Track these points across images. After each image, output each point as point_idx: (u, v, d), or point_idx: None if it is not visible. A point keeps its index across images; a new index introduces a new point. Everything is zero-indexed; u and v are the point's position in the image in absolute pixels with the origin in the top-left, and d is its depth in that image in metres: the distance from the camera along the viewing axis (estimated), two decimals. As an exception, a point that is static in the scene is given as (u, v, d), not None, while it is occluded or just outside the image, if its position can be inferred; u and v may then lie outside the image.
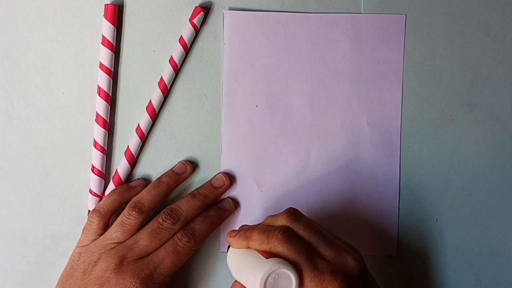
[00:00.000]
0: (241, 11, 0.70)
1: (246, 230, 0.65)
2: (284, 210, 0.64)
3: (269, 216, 0.66)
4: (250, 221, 0.71)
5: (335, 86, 0.71)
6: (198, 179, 0.71)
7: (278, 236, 0.61)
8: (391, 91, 0.71)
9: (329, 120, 0.71)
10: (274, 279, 0.58)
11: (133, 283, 0.63)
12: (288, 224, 0.63)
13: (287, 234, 0.61)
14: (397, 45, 0.71)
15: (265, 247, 0.62)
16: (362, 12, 0.71)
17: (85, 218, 0.70)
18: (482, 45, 0.72)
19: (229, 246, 0.67)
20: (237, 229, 0.67)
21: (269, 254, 0.60)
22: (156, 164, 0.71)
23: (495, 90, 0.72)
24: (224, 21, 0.70)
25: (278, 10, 0.71)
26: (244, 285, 0.62)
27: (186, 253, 0.66)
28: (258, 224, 0.66)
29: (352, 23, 0.71)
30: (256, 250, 0.63)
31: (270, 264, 0.58)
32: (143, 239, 0.65)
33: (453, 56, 0.72)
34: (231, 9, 0.70)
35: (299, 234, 0.62)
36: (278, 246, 0.60)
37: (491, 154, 0.73)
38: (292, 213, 0.64)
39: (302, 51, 0.71)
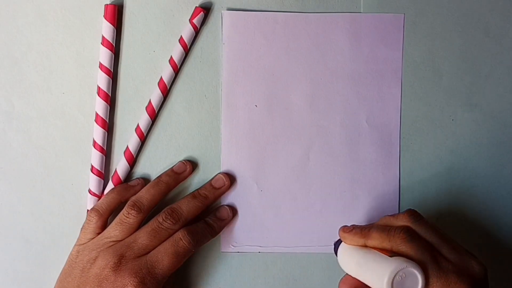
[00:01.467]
0: (240, 11, 0.70)
1: (363, 227, 0.64)
2: (404, 211, 0.64)
3: (386, 215, 0.65)
4: (249, 221, 0.71)
5: (334, 86, 0.71)
6: (198, 179, 0.72)
7: (401, 235, 0.60)
8: (390, 90, 0.71)
9: (328, 120, 0.71)
10: (401, 278, 0.58)
11: (131, 282, 0.63)
12: (409, 224, 0.62)
13: (410, 233, 0.61)
14: (396, 45, 0.71)
15: (386, 245, 0.61)
16: (361, 11, 0.71)
17: (85, 218, 0.70)
18: (482, 45, 0.72)
19: (338, 243, 0.67)
20: (349, 225, 0.67)
21: (391, 253, 0.60)
22: (155, 164, 0.71)
23: (495, 90, 0.72)
24: (223, 21, 0.70)
25: (278, 10, 0.71)
26: (366, 283, 0.61)
27: (185, 254, 0.66)
28: (373, 223, 0.66)
29: (351, 23, 0.71)
30: (375, 248, 0.62)
31: (397, 263, 0.58)
32: (142, 238, 0.65)
33: (453, 56, 0.72)
34: (230, 9, 0.70)
35: (420, 235, 0.62)
36: (401, 245, 0.60)
37: (491, 154, 0.73)
38: (413, 213, 0.63)
39: (301, 51, 0.71)
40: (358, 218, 0.72)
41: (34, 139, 0.71)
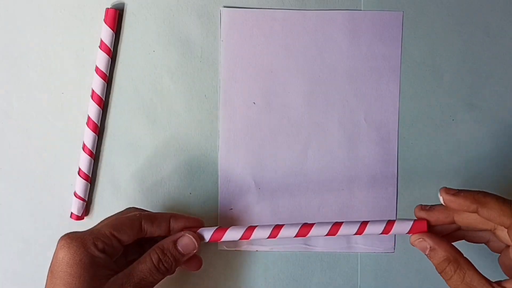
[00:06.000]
0: (238, 9, 0.71)
1: (475, 192, 0.57)
2: None
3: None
4: (247, 220, 0.71)
5: (332, 83, 0.71)
6: (198, 179, 0.71)
7: None
8: (388, 87, 0.71)
9: (326, 117, 0.71)
10: None
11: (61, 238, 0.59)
12: None
13: None
14: (394, 42, 0.71)
15: (506, 220, 0.55)
16: (362, 9, 0.71)
17: (83, 217, 0.70)
18: (482, 45, 0.72)
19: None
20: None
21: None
22: (155, 164, 0.71)
23: (495, 90, 0.72)
24: (221, 18, 0.70)
25: (276, 7, 0.71)
26: None
27: (130, 216, 0.62)
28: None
29: (349, 20, 0.71)
30: (487, 219, 0.57)
31: None
32: None
33: (453, 56, 0.72)
34: (228, 6, 0.71)
35: None
36: None
37: (491, 154, 0.72)
38: None
39: (299, 48, 0.71)
40: (356, 216, 0.72)
41: (33, 139, 0.71)
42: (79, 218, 0.70)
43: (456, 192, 0.58)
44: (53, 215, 0.71)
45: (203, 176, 0.71)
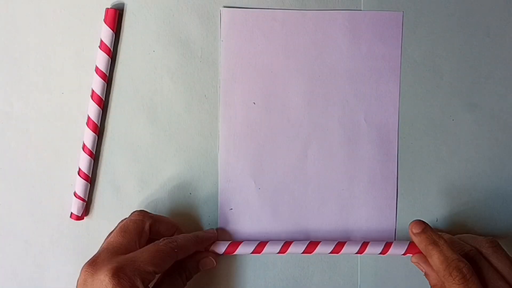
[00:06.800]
0: (238, 9, 0.71)
1: (431, 240, 0.64)
2: (485, 239, 0.66)
3: (464, 235, 0.68)
4: (247, 219, 0.71)
5: (332, 83, 0.71)
6: (198, 179, 0.71)
7: (456, 280, 0.61)
8: (388, 87, 0.71)
9: (326, 117, 0.71)
10: None
11: (107, 269, 0.58)
12: (478, 256, 0.64)
13: (465, 277, 0.61)
14: (394, 43, 0.71)
15: (440, 276, 0.62)
16: (362, 9, 0.71)
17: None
18: (482, 45, 0.72)
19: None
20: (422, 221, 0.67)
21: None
22: (155, 164, 0.71)
23: (495, 90, 0.72)
24: (222, 18, 0.70)
25: (277, 7, 0.71)
26: None
27: (168, 251, 0.62)
28: (445, 236, 0.67)
29: (350, 20, 0.71)
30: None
31: None
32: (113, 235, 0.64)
33: (453, 56, 0.72)
34: (229, 6, 0.71)
35: (483, 271, 0.63)
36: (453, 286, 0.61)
37: (491, 154, 0.72)
38: (490, 244, 0.65)
39: (300, 48, 0.71)
40: (356, 216, 0.72)
41: (33, 139, 0.71)
42: (79, 218, 0.70)
43: (418, 233, 0.65)
44: (53, 215, 0.71)
45: (203, 176, 0.71)
